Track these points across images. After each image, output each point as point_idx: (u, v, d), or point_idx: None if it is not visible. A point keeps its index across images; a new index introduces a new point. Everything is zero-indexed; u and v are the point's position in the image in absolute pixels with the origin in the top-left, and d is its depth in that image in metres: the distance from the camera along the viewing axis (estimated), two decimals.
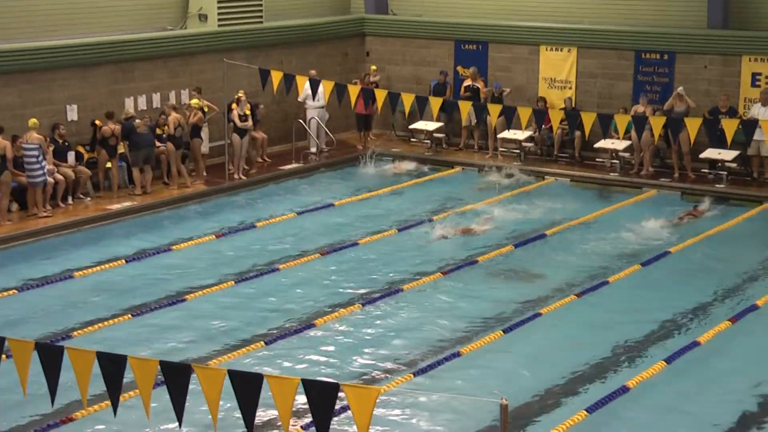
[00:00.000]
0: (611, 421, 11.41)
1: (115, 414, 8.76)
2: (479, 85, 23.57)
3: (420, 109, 20.57)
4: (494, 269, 16.37)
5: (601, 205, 20.17)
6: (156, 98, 21.30)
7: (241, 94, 21.10)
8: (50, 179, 18.42)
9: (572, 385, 12.39)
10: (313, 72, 22.58)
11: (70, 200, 19.01)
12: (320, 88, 20.60)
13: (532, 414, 11.59)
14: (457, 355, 12.95)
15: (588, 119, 18.64)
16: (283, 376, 8.02)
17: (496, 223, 18.62)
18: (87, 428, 11.06)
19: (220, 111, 21.06)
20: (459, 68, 24.19)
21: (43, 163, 18.10)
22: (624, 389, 11.96)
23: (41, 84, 19.47)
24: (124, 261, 16.35)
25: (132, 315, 14.15)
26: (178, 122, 20.24)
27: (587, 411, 11.35)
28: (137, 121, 19.60)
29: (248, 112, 21.27)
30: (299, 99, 22.86)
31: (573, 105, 22.69)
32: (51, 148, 18.66)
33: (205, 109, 20.90)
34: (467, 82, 23.70)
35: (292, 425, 10.64)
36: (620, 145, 21.66)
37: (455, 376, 12.46)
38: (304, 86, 20.17)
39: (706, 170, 21.03)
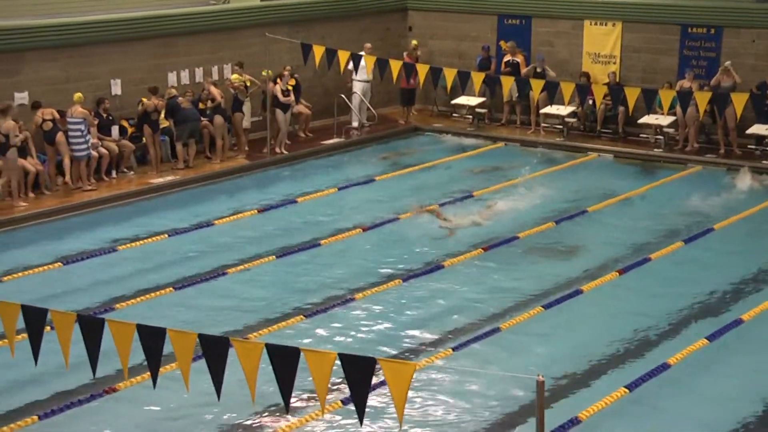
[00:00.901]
0: (650, 399, 11.34)
1: (154, 386, 8.85)
2: (519, 59, 23.39)
3: (462, 84, 20.46)
4: (535, 245, 16.29)
5: (645, 181, 19.95)
6: (198, 73, 21.37)
7: (287, 71, 21.10)
8: (94, 153, 18.59)
9: (612, 363, 12.31)
10: (368, 45, 22.56)
11: (114, 174, 19.17)
12: (362, 63, 20.54)
13: (571, 391, 11.54)
14: (497, 330, 12.92)
15: (632, 94, 18.46)
16: (321, 350, 8.04)
17: (537, 199, 18.52)
18: (128, 399, 11.20)
19: (261, 86, 21.09)
20: (501, 43, 23.99)
21: (88, 137, 18.26)
22: (664, 366, 11.87)
23: (84, 59, 19.60)
24: (166, 235, 16.46)
25: (174, 288, 14.26)
26: (220, 95, 20.35)
27: (627, 388, 11.28)
28: (180, 98, 19.68)
29: (291, 87, 21.28)
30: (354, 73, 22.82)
31: (617, 80, 22.45)
32: (96, 122, 18.83)
33: (247, 84, 20.94)
34: (507, 57, 23.53)
35: (331, 400, 10.70)
36: (665, 120, 21.42)
37: (494, 352, 12.43)
38: (346, 60, 20.11)
39: (753, 146, 20.75)
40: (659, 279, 14.90)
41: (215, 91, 20.28)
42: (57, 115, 18.16)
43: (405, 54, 23.78)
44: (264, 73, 20.80)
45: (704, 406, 11.32)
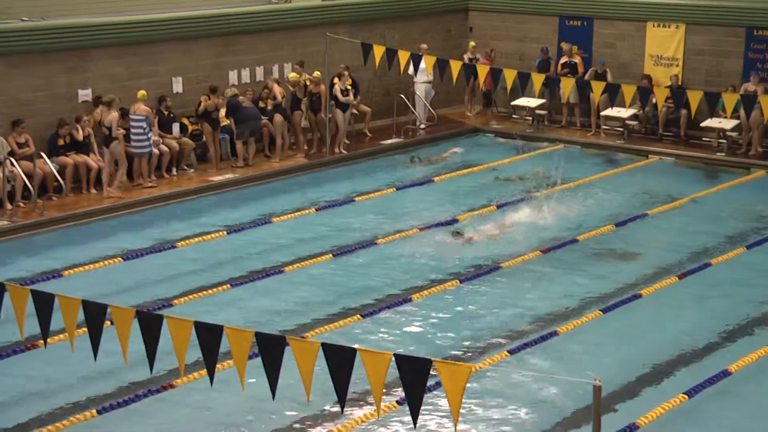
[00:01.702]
0: (709, 406, 11.18)
1: (211, 383, 8.89)
2: (576, 60, 23.21)
3: (522, 86, 20.34)
4: (594, 249, 16.14)
5: (707, 185, 19.71)
6: (259, 72, 21.49)
7: (344, 70, 21.15)
8: (156, 150, 18.78)
9: (671, 368, 12.17)
10: (424, 46, 22.54)
11: (174, 171, 19.35)
12: (422, 63, 20.50)
13: (628, 396, 11.42)
14: (554, 334, 12.82)
15: (694, 97, 18.18)
16: (376, 350, 8.02)
17: (596, 202, 18.35)
18: (185, 396, 11.29)
19: (311, 86, 21.01)
20: (562, 44, 23.81)
21: (150, 134, 18.45)
22: (725, 373, 11.70)
23: (147, 56, 19.81)
24: (225, 233, 16.57)
25: (231, 285, 14.34)
26: (282, 93, 20.46)
27: (686, 395, 11.13)
28: (241, 97, 19.80)
29: (350, 87, 21.33)
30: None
31: (679, 83, 22.16)
32: (157, 120, 19.02)
33: (307, 83, 21.01)
34: (564, 59, 23.36)
35: (386, 401, 10.69)
36: (728, 124, 21.12)
37: (551, 356, 12.35)
38: (406, 61, 20.07)
39: None
40: (720, 284, 14.69)
41: (278, 89, 20.40)
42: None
43: (477, 57, 23.71)
44: (316, 74, 20.80)
45: (766, 415, 11.13)
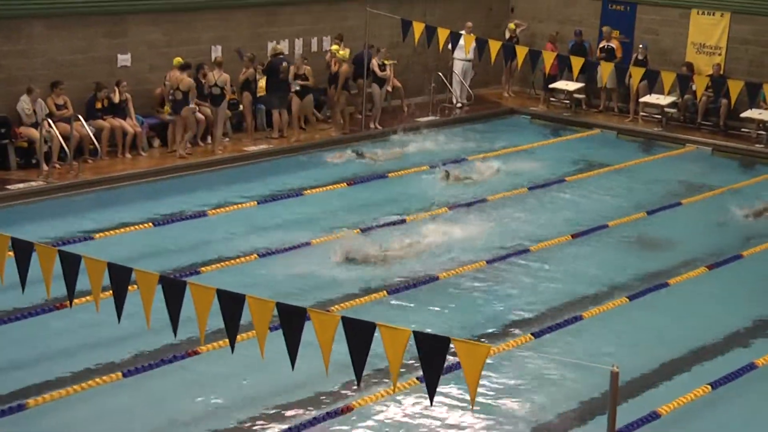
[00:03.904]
0: (735, 399, 11.12)
1: (232, 351, 8.95)
2: (614, 44, 22.99)
3: (560, 69, 20.21)
4: (625, 235, 16.06)
5: (743, 176, 19.53)
6: (298, 43, 21.49)
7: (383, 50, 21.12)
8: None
9: (693, 359, 12.13)
10: (469, 24, 22.43)
11: (209, 140, 19.41)
12: (461, 41, 20.42)
13: (648, 385, 11.38)
14: (579, 318, 12.79)
15: (735, 87, 18.01)
16: (396, 326, 8.03)
17: (629, 189, 18.24)
18: (209, 363, 11.37)
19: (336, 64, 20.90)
20: (604, 28, 23.56)
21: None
22: (751, 366, 11.62)
23: (186, 24, 19.83)
24: (256, 203, 16.63)
25: (258, 255, 14.41)
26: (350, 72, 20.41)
27: (711, 386, 11.07)
28: (284, 64, 19.72)
29: (387, 62, 21.26)
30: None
31: (721, 72, 21.90)
32: (194, 87, 19.04)
33: (345, 57, 20.97)
34: (601, 43, 23.15)
35: (405, 378, 10.72)
36: None
37: (574, 340, 12.33)
38: (446, 39, 19.93)
39: None
40: (750, 277, 14.59)
41: (308, 71, 20.13)
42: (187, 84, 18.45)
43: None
44: (341, 52, 20.60)
45: None
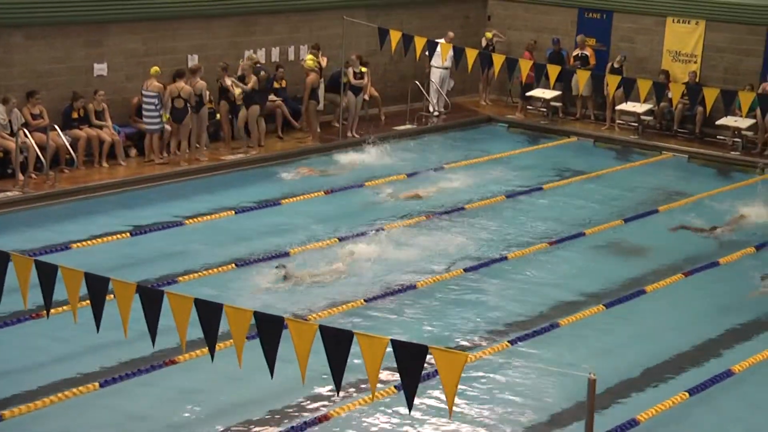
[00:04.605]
0: (713, 405, 11.19)
1: (212, 359, 8.96)
2: (588, 52, 23.13)
3: (537, 77, 20.29)
4: (602, 243, 16.13)
5: (719, 184, 19.65)
6: (275, 52, 21.51)
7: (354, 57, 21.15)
8: (168, 127, 18.80)
9: (671, 366, 12.18)
10: (451, 34, 22.52)
11: (186, 149, 19.34)
12: (438, 49, 20.47)
13: (626, 393, 11.43)
14: (556, 326, 12.84)
15: (710, 95, 18.13)
16: (373, 335, 8.05)
17: (606, 196, 18.34)
18: (186, 372, 11.35)
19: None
20: (578, 37, 23.69)
21: (161, 111, 18.48)
22: (728, 373, 11.70)
23: (165, 32, 19.81)
24: (233, 212, 16.61)
25: (236, 265, 14.38)
26: (317, 81, 20.41)
27: (689, 392, 11.14)
28: (261, 73, 19.74)
29: (364, 70, 21.30)
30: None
31: (697, 79, 22.06)
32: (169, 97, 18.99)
33: (323, 64, 21.00)
34: (575, 51, 23.29)
35: (383, 386, 10.73)
36: (744, 123, 21.02)
37: (551, 348, 12.36)
38: (422, 47, 19.97)
39: None
40: (727, 284, 14.67)
41: (253, 80, 19.62)
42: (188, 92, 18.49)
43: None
44: (308, 62, 20.65)
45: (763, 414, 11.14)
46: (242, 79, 19.59)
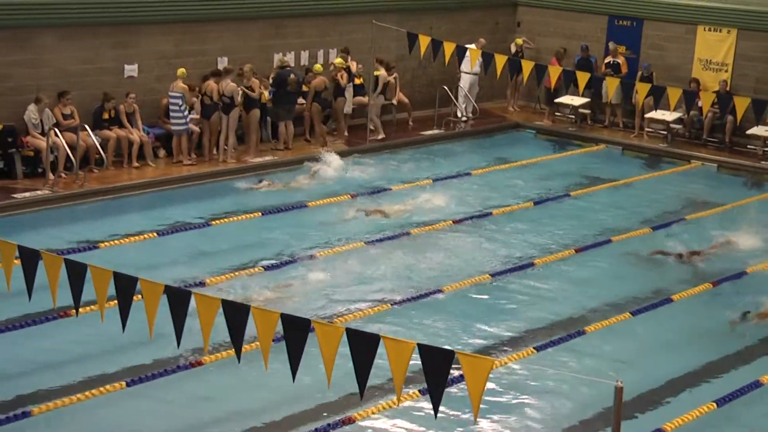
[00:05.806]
0: (740, 417, 11.10)
1: (239, 361, 8.98)
2: (620, 60, 23.04)
3: (566, 84, 20.24)
4: (629, 250, 16.04)
5: (749, 193, 19.51)
6: (304, 56, 21.55)
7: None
8: (195, 128, 18.87)
9: (699, 375, 12.09)
10: (482, 41, 22.50)
11: (215, 151, 19.39)
12: (466, 56, 20.45)
13: (652, 401, 11.36)
14: (582, 333, 12.79)
15: (741, 104, 18.03)
16: (400, 339, 8.04)
17: (635, 204, 18.26)
18: (211, 374, 11.38)
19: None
20: (610, 44, 23.61)
21: (186, 112, 18.55)
22: (756, 384, 11.60)
23: (195, 35, 19.88)
24: (260, 213, 16.65)
25: (264, 268, 14.40)
26: (324, 84, 20.44)
27: (716, 403, 11.05)
28: (292, 76, 19.78)
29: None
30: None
31: (727, 88, 21.90)
32: (196, 98, 19.02)
33: (352, 69, 21.03)
34: (607, 59, 23.20)
35: (409, 390, 10.72)
36: None
37: (577, 355, 12.31)
38: (452, 52, 19.95)
39: None
40: (756, 294, 14.52)
41: (255, 84, 19.46)
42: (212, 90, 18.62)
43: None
44: (316, 66, 20.71)
45: None
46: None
